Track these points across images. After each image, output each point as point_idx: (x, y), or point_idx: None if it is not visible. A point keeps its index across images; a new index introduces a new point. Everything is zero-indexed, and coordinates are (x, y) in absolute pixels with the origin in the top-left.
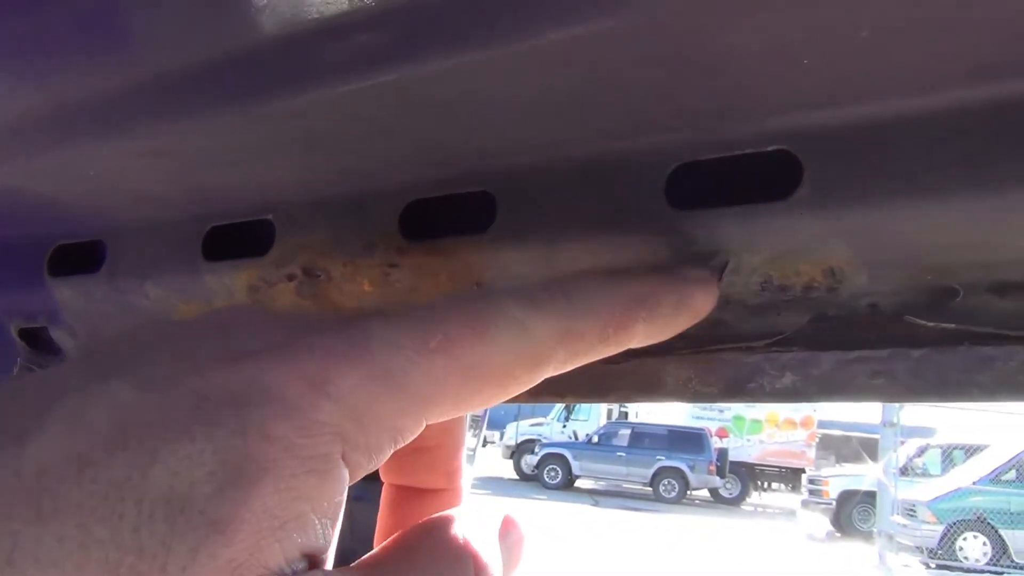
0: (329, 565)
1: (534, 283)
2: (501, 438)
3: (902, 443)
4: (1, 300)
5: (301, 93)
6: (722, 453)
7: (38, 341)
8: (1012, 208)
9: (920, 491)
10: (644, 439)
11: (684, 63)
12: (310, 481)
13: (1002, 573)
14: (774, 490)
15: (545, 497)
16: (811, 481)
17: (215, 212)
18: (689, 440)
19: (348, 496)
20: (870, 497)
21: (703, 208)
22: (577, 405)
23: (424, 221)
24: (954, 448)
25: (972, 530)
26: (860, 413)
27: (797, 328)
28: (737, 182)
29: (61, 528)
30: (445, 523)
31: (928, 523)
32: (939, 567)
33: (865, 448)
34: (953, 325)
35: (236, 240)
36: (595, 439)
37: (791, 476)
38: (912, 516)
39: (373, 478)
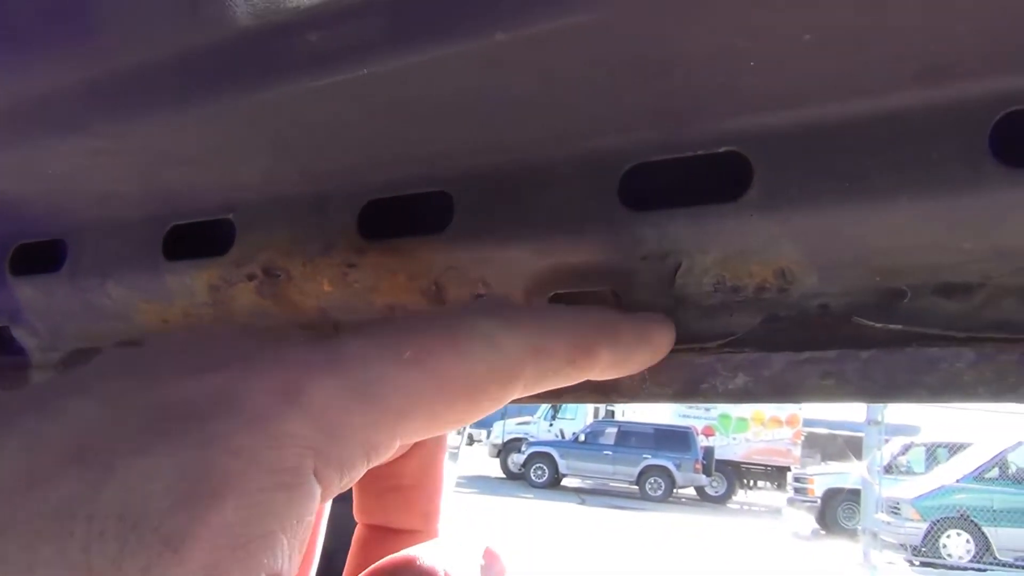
0: None
1: (504, 303)
2: (488, 436)
3: (886, 441)
4: None
5: (259, 92)
6: (708, 451)
7: (1, 341)
8: (956, 210)
9: (904, 489)
10: (630, 438)
11: (633, 66)
12: (279, 496)
13: (985, 570)
14: (760, 488)
15: (532, 496)
16: (797, 479)
17: (176, 211)
18: (675, 439)
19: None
20: (855, 495)
21: (655, 209)
22: (564, 404)
23: (383, 221)
24: (938, 446)
25: (955, 527)
26: (845, 411)
27: (749, 329)
28: (692, 184)
29: (5, 549)
30: (422, 556)
31: (912, 521)
32: (923, 564)
33: (850, 446)
34: (900, 326)
35: (197, 239)
36: (582, 438)
37: (777, 474)
38: (896, 514)
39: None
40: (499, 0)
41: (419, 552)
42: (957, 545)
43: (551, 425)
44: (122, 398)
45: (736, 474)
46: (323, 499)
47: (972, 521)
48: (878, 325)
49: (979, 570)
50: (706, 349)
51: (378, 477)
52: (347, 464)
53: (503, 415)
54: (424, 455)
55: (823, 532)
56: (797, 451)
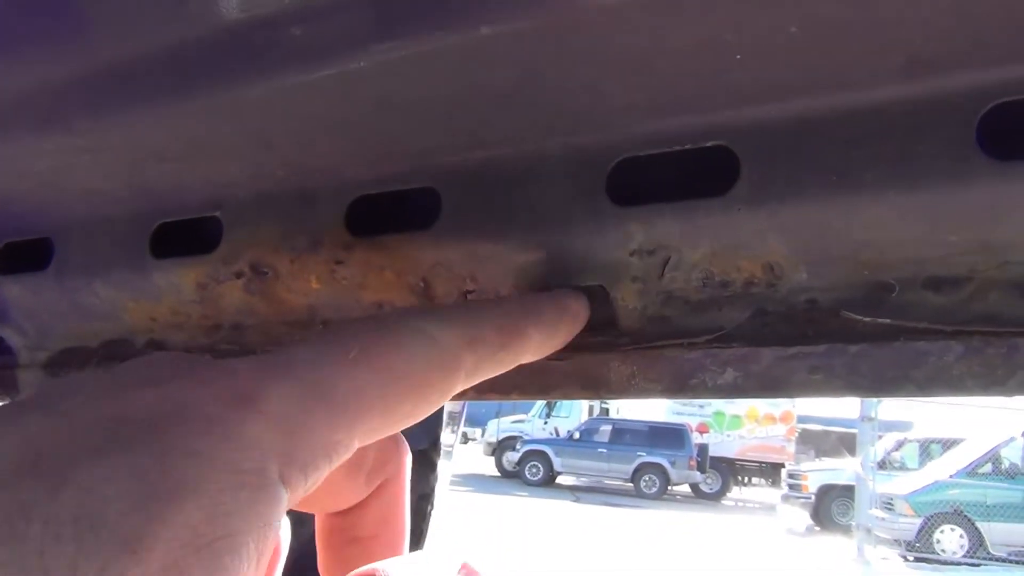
0: None
1: (434, 306)
2: (482, 435)
3: (880, 437)
4: None
5: (243, 87)
6: (702, 449)
7: None
8: (943, 204)
9: (898, 485)
10: (625, 435)
11: (618, 59)
12: (241, 496)
13: (979, 565)
14: (754, 485)
15: (526, 494)
16: (791, 476)
17: (162, 209)
18: (670, 436)
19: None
20: (849, 491)
21: (643, 204)
22: (558, 402)
23: (371, 218)
24: (931, 442)
25: (949, 523)
26: (839, 408)
27: (738, 324)
28: (680, 179)
29: None
30: (394, 574)
31: (906, 516)
32: (917, 560)
33: (844, 442)
34: (888, 320)
35: (184, 237)
36: (576, 435)
37: (771, 471)
38: (890, 509)
39: None
40: None
41: (387, 566)
42: (951, 540)
43: (546, 423)
44: (78, 411)
45: (730, 471)
46: (289, 503)
47: (966, 516)
48: (866, 319)
49: (973, 565)
50: (695, 344)
51: (339, 529)
52: (310, 465)
53: (497, 413)
54: (384, 504)
55: (817, 528)
56: (791, 448)
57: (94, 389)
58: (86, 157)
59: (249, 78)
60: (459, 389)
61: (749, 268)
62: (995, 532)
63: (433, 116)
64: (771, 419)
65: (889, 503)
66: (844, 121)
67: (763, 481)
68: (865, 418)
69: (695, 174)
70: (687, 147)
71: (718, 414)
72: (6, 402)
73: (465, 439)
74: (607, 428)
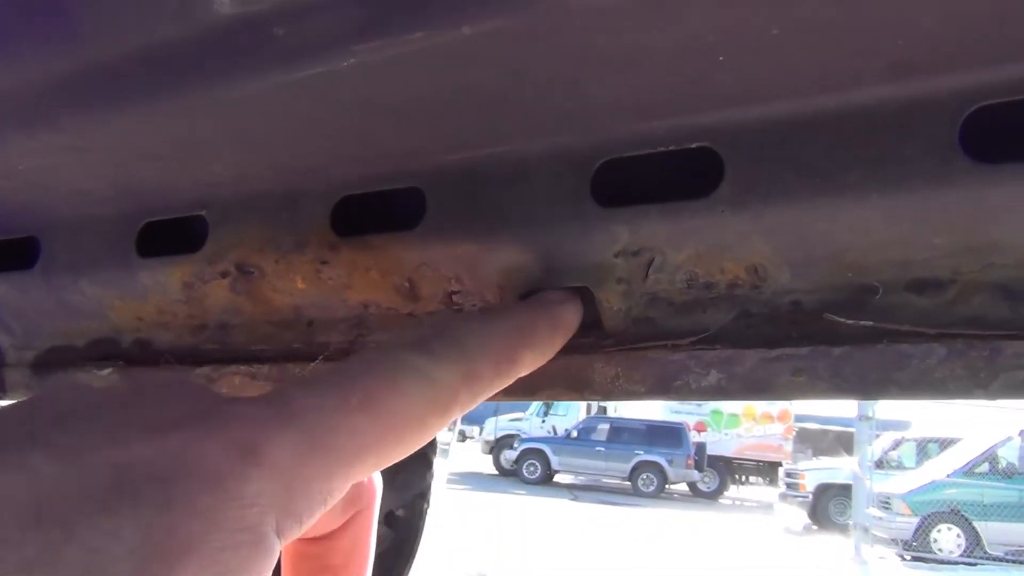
0: None
1: (428, 334)
2: (480, 433)
3: (877, 436)
4: None
5: (227, 87)
6: (700, 447)
7: None
8: (927, 206)
9: (895, 484)
10: (623, 434)
11: (601, 60)
12: (240, 554)
13: (975, 564)
14: (752, 484)
15: (524, 492)
16: (788, 475)
17: (148, 208)
18: (667, 435)
19: None
20: (846, 490)
21: (627, 205)
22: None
23: (356, 218)
24: (928, 441)
25: (946, 522)
26: (836, 407)
27: (722, 326)
28: (665, 180)
29: None
30: None
31: (903, 515)
32: (914, 559)
33: (841, 442)
34: (871, 323)
35: (170, 236)
36: (574, 434)
37: (769, 470)
38: (887, 509)
39: None
40: None
41: None
42: (948, 539)
43: (543, 421)
44: (81, 456)
45: (728, 470)
46: (281, 546)
47: (962, 516)
48: (849, 322)
49: (969, 564)
50: (679, 346)
51: (311, 557)
52: (306, 514)
53: (495, 412)
54: (353, 535)
55: (815, 527)
56: (789, 447)
57: (97, 428)
58: (72, 156)
59: (233, 78)
60: (454, 419)
61: (733, 270)
62: (992, 531)
63: (417, 116)
64: (769, 418)
65: (886, 502)
66: (828, 123)
67: (760, 480)
68: (863, 417)
69: (680, 176)
70: (671, 148)
71: (716, 413)
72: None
73: (463, 437)
74: (605, 427)
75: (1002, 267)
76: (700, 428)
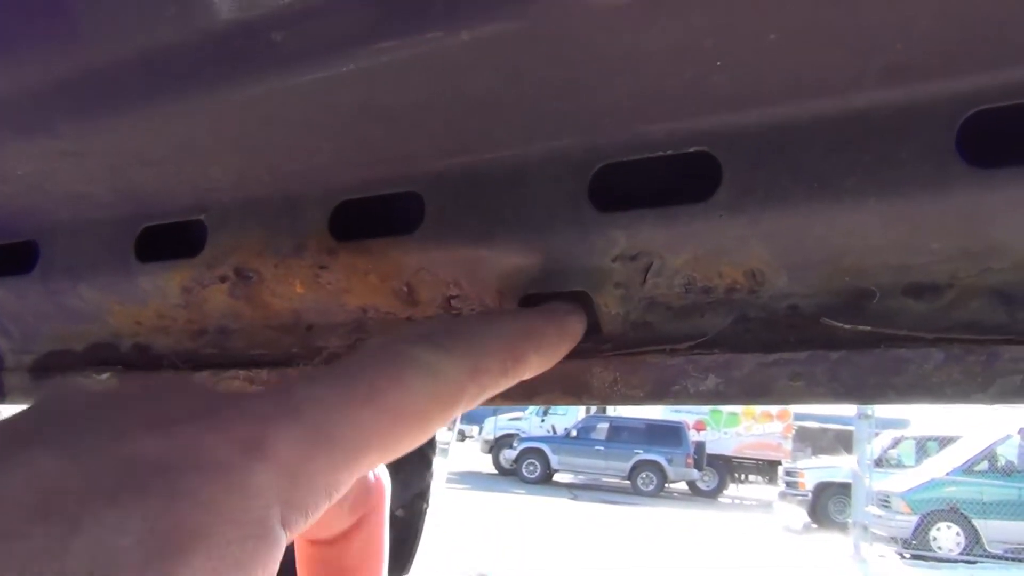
0: None
1: (436, 328)
2: (479, 432)
3: (876, 435)
4: None
5: (224, 92)
6: (699, 446)
7: None
8: (923, 210)
9: (894, 482)
10: (622, 433)
11: (598, 64)
12: (247, 547)
13: (975, 562)
14: (751, 482)
15: (524, 491)
16: (788, 473)
17: (147, 212)
18: (667, 434)
19: None
20: (846, 488)
21: (625, 210)
22: None
23: (354, 222)
24: (928, 439)
25: (945, 520)
26: (835, 406)
27: (719, 330)
28: (662, 185)
29: None
30: None
31: (902, 514)
32: (913, 557)
33: (840, 440)
34: (869, 327)
35: (169, 241)
36: (573, 433)
37: (768, 468)
38: (887, 507)
39: None
40: (462, 1)
41: None
42: (947, 538)
43: (543, 421)
44: (86, 450)
45: (727, 468)
46: (287, 541)
47: (962, 514)
48: (847, 326)
49: (969, 562)
50: (677, 350)
51: (325, 560)
52: (311, 507)
53: (495, 411)
54: (365, 536)
55: (814, 525)
56: (788, 445)
57: (103, 425)
58: (70, 161)
59: (231, 83)
60: (459, 414)
61: (731, 274)
62: (991, 529)
63: (415, 121)
64: (768, 416)
65: (886, 500)
66: (825, 127)
67: (760, 478)
68: (862, 415)
69: (678, 180)
70: (669, 152)
71: (715, 412)
72: (4, 423)
73: (462, 436)
74: (604, 426)
75: (999, 271)
76: (699, 427)
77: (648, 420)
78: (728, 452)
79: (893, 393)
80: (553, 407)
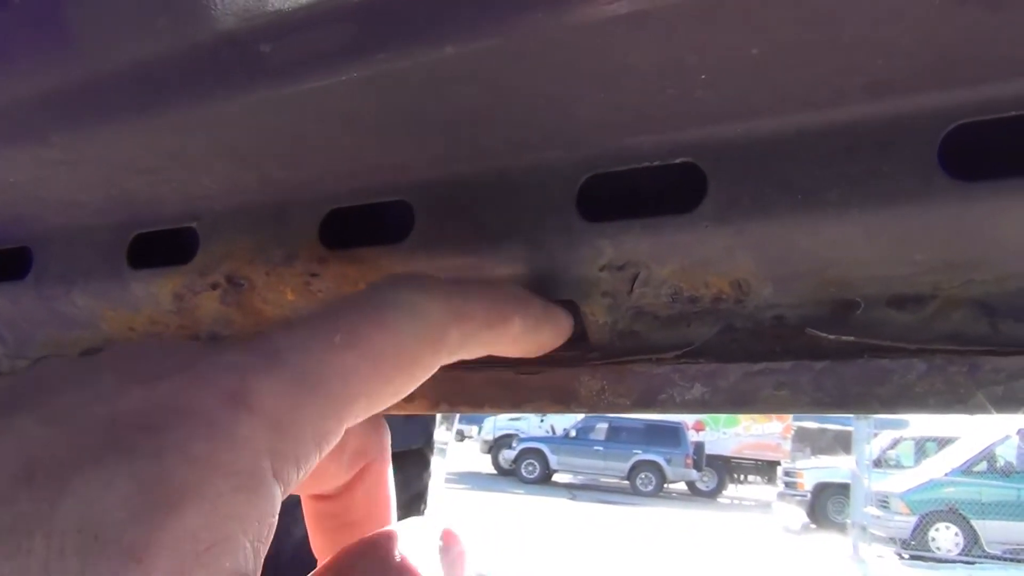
0: None
1: (418, 275)
2: (478, 432)
3: (876, 435)
4: None
5: (214, 102)
6: (699, 446)
7: None
8: (907, 223)
9: (893, 483)
10: (621, 433)
11: (584, 78)
12: (239, 498)
13: (974, 563)
14: (750, 483)
15: (523, 491)
16: (786, 473)
17: (139, 220)
18: (666, 434)
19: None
20: (845, 489)
21: (612, 220)
22: None
23: (344, 231)
24: (927, 440)
25: (944, 521)
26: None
27: (705, 340)
28: (649, 196)
29: None
30: (379, 543)
31: (901, 514)
32: (912, 558)
33: (839, 440)
34: (853, 338)
35: (162, 248)
36: (572, 433)
37: (767, 469)
38: (886, 507)
39: None
40: (448, 15)
41: (377, 538)
42: (946, 538)
43: (542, 421)
44: (69, 413)
45: (726, 469)
46: (283, 495)
47: (961, 514)
48: (831, 336)
49: (968, 563)
50: (663, 359)
51: (330, 515)
52: (302, 458)
53: None
54: (370, 487)
55: (813, 526)
56: (787, 445)
57: (85, 388)
58: (63, 169)
59: (221, 94)
60: (443, 363)
61: (717, 284)
62: (990, 530)
63: (403, 132)
64: (767, 417)
65: (885, 501)
66: (809, 140)
67: (759, 479)
68: (861, 416)
69: (665, 190)
70: (655, 164)
71: None
72: None
73: (461, 437)
74: (603, 426)
75: (981, 283)
76: (698, 427)
77: (647, 420)
78: (727, 452)
79: (877, 403)
80: None
